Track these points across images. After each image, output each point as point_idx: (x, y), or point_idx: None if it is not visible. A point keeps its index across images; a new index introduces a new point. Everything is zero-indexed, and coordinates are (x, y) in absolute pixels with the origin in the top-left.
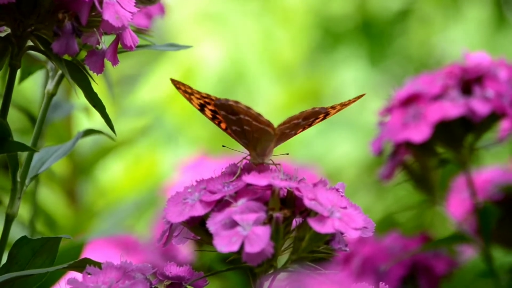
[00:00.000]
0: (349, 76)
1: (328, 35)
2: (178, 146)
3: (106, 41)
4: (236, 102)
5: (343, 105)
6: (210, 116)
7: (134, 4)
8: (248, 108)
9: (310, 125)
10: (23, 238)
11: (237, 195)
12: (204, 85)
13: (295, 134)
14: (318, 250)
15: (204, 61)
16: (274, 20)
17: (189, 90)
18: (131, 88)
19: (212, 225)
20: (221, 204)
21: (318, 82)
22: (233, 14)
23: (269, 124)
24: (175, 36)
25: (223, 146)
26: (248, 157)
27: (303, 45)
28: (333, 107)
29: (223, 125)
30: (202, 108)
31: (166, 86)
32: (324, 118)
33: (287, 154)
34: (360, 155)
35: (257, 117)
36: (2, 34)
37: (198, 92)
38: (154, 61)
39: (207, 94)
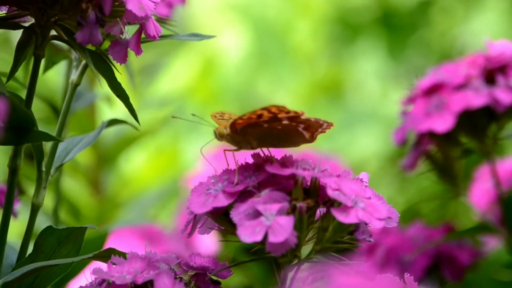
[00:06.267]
0: (370, 67)
1: (348, 26)
2: (200, 136)
3: (129, 31)
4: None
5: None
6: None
7: None
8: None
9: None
10: (49, 228)
11: (260, 186)
12: (226, 75)
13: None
14: (342, 241)
15: (225, 51)
16: (295, 11)
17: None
18: (152, 78)
19: (235, 215)
20: (244, 195)
21: (339, 73)
22: (254, 4)
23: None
24: (196, 26)
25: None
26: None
27: (323, 36)
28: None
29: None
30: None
31: (187, 75)
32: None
33: None
34: (382, 146)
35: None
36: (26, 24)
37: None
38: (175, 50)
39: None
